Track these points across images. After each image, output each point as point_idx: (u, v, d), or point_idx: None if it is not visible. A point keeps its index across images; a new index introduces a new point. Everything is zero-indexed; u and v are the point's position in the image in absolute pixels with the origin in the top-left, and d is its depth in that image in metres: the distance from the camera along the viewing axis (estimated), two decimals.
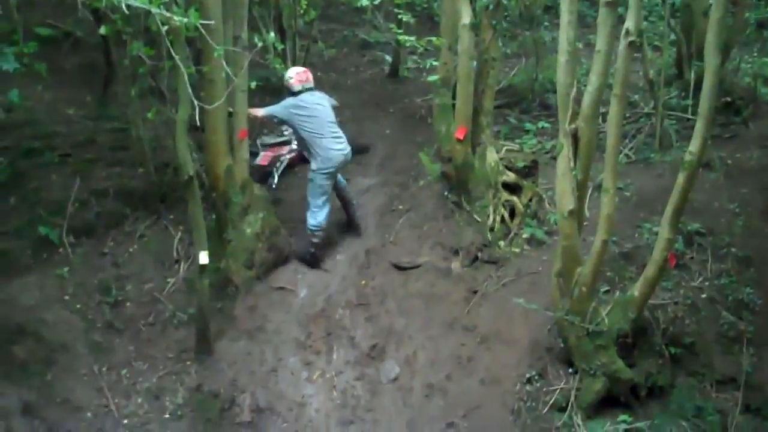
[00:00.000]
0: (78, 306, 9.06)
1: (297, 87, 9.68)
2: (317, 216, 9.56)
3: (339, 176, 9.91)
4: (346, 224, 10.27)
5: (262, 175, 10.69)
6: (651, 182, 10.42)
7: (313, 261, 9.69)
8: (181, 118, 8.36)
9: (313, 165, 9.55)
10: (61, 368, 8.46)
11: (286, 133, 11.38)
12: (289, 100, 9.65)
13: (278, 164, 10.92)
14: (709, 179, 10.04)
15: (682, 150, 8.41)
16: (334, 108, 9.95)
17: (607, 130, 7.84)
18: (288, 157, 11.07)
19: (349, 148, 9.69)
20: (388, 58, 15.13)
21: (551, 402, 8.08)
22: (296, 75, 9.75)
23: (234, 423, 8.17)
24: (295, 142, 11.20)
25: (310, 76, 9.85)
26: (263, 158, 10.79)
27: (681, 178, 7.46)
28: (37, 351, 8.50)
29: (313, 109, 9.56)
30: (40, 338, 8.60)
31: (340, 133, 9.69)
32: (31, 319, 8.73)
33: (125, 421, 8.10)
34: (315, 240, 9.60)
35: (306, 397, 8.45)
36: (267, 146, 11.03)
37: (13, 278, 9.20)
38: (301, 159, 11.22)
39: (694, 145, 7.33)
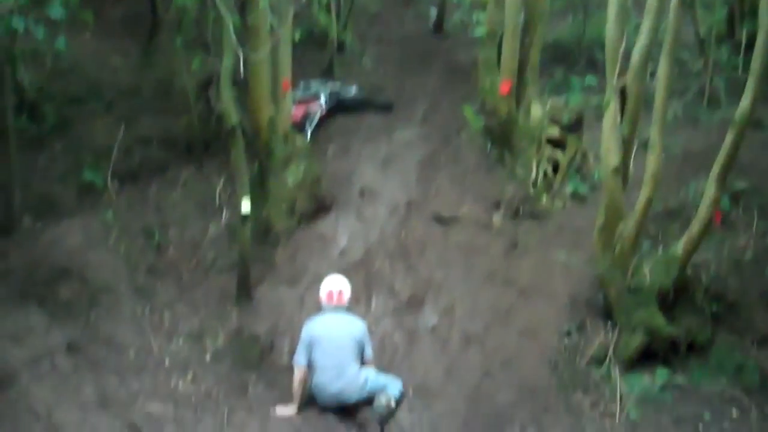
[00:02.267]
0: (122, 249, 9.18)
1: (322, 304, 7.82)
2: (392, 387, 7.53)
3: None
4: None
5: (295, 129, 10.69)
6: (698, 140, 10.28)
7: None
8: (225, 68, 8.39)
9: None
10: (104, 309, 8.59)
11: (314, 85, 11.42)
12: (303, 331, 7.74)
13: (310, 119, 10.92)
14: (758, 138, 9.86)
15: (731, 109, 8.26)
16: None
17: (656, 87, 7.75)
18: (319, 111, 11.07)
19: (347, 390, 7.54)
20: (433, 12, 14.99)
21: (589, 355, 8.08)
22: (324, 289, 7.81)
23: (273, 366, 8.26)
24: (324, 98, 11.22)
25: (345, 294, 7.78)
26: (295, 113, 10.75)
27: (729, 136, 7.38)
28: (82, 292, 8.64)
29: (315, 338, 7.60)
30: (85, 280, 8.74)
31: (346, 373, 7.55)
32: (75, 260, 8.87)
33: (167, 362, 8.20)
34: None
35: None
36: (297, 101, 10.96)
37: (59, 221, 9.35)
38: (331, 113, 11.25)
39: (744, 104, 7.25)
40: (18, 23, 7.17)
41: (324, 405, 7.66)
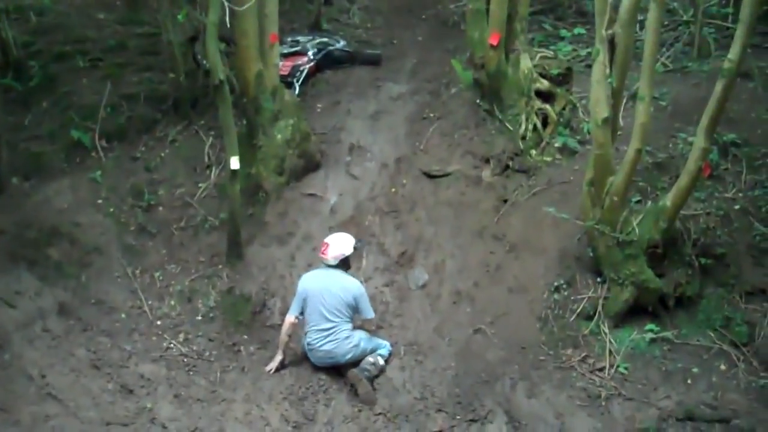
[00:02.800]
0: (111, 209, 9.17)
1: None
2: (381, 346, 7.91)
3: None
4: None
5: (283, 84, 10.59)
6: (687, 91, 10.22)
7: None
8: (211, 21, 8.27)
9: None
10: (95, 270, 8.62)
11: (301, 39, 11.31)
12: (298, 284, 7.98)
13: (298, 74, 10.80)
14: (746, 89, 9.85)
15: (721, 59, 8.22)
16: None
17: (645, 37, 7.69)
18: (307, 66, 10.95)
19: (337, 351, 7.71)
20: None
21: (578, 310, 8.14)
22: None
23: (265, 326, 8.31)
24: (311, 52, 11.10)
25: (331, 249, 7.90)
26: (282, 68, 10.58)
27: (718, 87, 7.32)
28: (72, 253, 8.66)
29: (307, 292, 7.78)
30: (75, 240, 8.75)
31: (336, 333, 7.71)
32: (65, 221, 8.87)
33: (158, 322, 8.26)
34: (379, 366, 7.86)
35: None
36: (284, 56, 10.82)
37: (48, 181, 9.33)
38: (319, 68, 11.14)
39: (733, 53, 7.17)
40: None
41: (316, 364, 7.81)
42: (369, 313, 7.85)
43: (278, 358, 7.84)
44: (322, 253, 7.88)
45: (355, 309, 7.79)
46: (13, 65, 10.49)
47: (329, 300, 7.70)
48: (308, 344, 7.78)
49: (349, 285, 7.80)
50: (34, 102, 10.32)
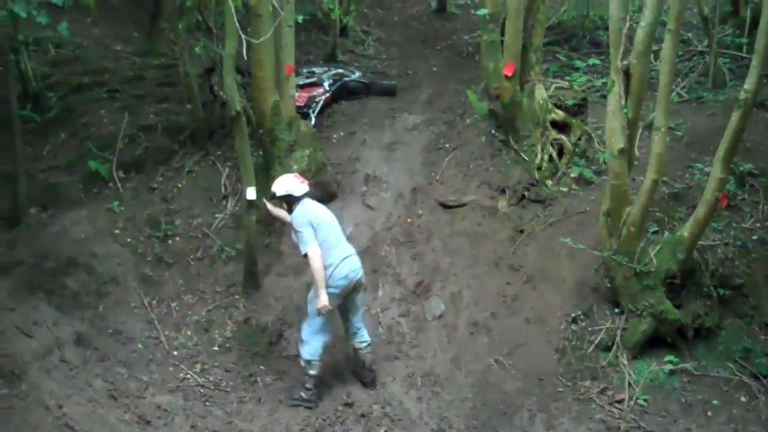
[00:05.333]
0: (128, 240, 9.21)
1: (299, 194, 7.82)
2: (311, 344, 7.74)
3: (357, 299, 8.02)
4: (355, 366, 8.16)
5: (299, 115, 10.65)
6: (703, 121, 10.24)
7: (308, 400, 7.79)
8: (228, 53, 8.35)
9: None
10: (112, 300, 8.64)
11: (316, 71, 11.39)
12: (300, 214, 7.75)
13: (314, 104, 10.86)
14: (763, 119, 9.85)
15: (736, 89, 8.25)
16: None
17: (660, 68, 7.71)
18: (323, 97, 11.01)
19: (359, 264, 7.90)
20: None
21: (596, 341, 8.10)
22: (290, 182, 7.86)
23: (281, 356, 8.29)
24: (327, 83, 11.18)
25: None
26: (298, 99, 10.63)
27: (735, 117, 7.32)
28: (89, 283, 8.69)
29: (320, 223, 7.73)
30: (92, 271, 8.78)
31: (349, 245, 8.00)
32: (82, 251, 8.90)
33: (175, 353, 8.26)
34: (311, 372, 7.77)
35: None
36: (300, 87, 10.88)
37: (65, 212, 9.40)
38: (335, 99, 11.21)
39: (749, 83, 7.18)
40: (21, 9, 7.12)
41: (345, 288, 7.67)
42: None
43: (325, 294, 7.51)
44: (304, 181, 7.89)
45: None
46: (32, 97, 10.62)
47: (335, 220, 7.93)
48: (344, 264, 7.64)
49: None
50: (53, 133, 10.44)
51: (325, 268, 7.55)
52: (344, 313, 7.90)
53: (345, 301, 7.79)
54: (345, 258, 7.71)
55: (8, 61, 9.25)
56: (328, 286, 7.53)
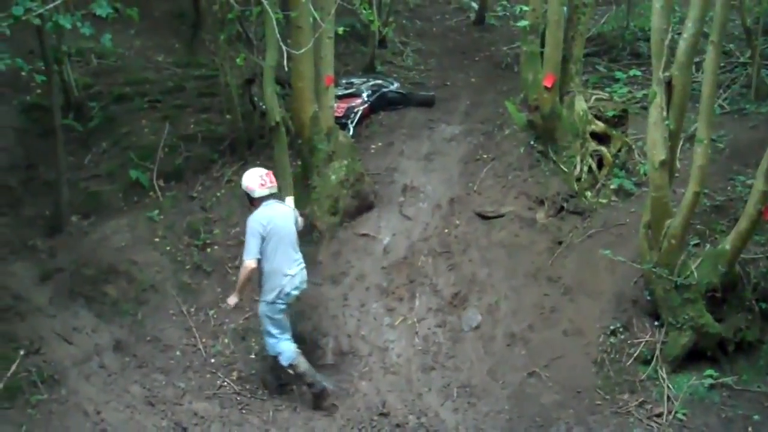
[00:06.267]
0: (168, 248, 9.31)
1: (256, 194, 7.88)
2: (281, 350, 7.85)
3: None
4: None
5: (338, 125, 10.68)
6: (745, 133, 10.11)
7: (321, 393, 7.87)
8: (269, 64, 8.41)
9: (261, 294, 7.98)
10: (151, 307, 8.73)
11: (355, 81, 11.42)
12: (254, 219, 7.81)
13: (352, 115, 10.90)
14: None
15: None
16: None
17: (703, 79, 7.61)
18: (361, 108, 11.05)
19: (304, 278, 8.00)
20: (474, 5, 14.91)
21: (635, 354, 7.99)
22: (252, 180, 7.90)
23: (317, 365, 8.27)
24: (366, 93, 11.21)
25: (272, 176, 8.02)
26: (337, 109, 10.66)
27: None
28: (129, 290, 8.79)
29: (271, 229, 7.78)
30: (132, 278, 8.88)
31: (299, 257, 8.01)
32: (122, 259, 9.01)
33: (212, 360, 8.31)
34: (301, 370, 7.88)
35: (388, 342, 8.52)
36: (339, 98, 10.91)
37: (106, 220, 9.52)
38: (373, 109, 11.24)
39: None
40: (66, 21, 7.22)
41: (288, 301, 7.88)
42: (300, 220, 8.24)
43: (236, 300, 7.96)
44: (271, 182, 7.90)
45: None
46: (74, 106, 10.77)
47: (292, 230, 7.92)
48: (288, 284, 7.77)
49: (288, 208, 8.16)
50: (94, 142, 10.58)
51: (268, 281, 7.77)
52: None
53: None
54: (290, 276, 7.82)
55: (52, 71, 9.39)
56: (272, 301, 7.76)
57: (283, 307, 7.82)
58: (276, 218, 7.81)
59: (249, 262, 7.66)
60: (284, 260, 7.78)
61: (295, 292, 7.90)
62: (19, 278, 8.67)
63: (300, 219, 8.26)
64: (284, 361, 7.85)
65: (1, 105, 10.20)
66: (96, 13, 7.32)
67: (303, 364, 7.88)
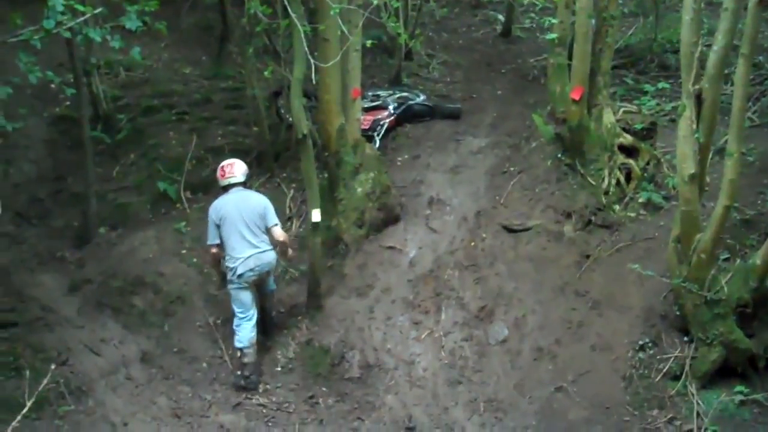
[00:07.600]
0: (194, 260, 9.33)
1: (221, 184, 8.41)
2: (240, 332, 8.17)
3: (270, 281, 8.65)
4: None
5: (364, 138, 10.66)
6: None
7: (246, 387, 8.17)
8: (296, 77, 8.42)
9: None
10: (178, 319, 8.76)
11: (381, 94, 11.43)
12: (212, 206, 8.40)
13: (379, 127, 10.89)
14: None
15: None
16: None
17: (734, 92, 7.53)
18: (387, 120, 11.05)
19: (263, 261, 8.24)
20: (501, 17, 14.88)
21: (665, 370, 7.91)
22: (218, 172, 8.46)
23: (343, 378, 8.27)
24: (392, 106, 11.21)
25: (236, 167, 8.38)
26: (364, 122, 10.60)
27: None
28: (156, 302, 8.83)
29: (224, 216, 8.18)
30: (159, 290, 8.92)
31: (256, 241, 8.21)
32: (150, 271, 9.06)
33: (238, 372, 8.31)
34: (245, 360, 8.17)
35: (414, 355, 8.47)
36: (365, 110, 10.86)
37: (134, 231, 9.58)
38: (400, 122, 11.23)
39: None
40: (96, 34, 7.29)
41: (244, 283, 8.18)
42: (274, 219, 8.32)
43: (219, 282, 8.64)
44: (229, 173, 8.31)
45: (263, 218, 8.25)
46: (103, 118, 10.86)
47: (245, 216, 8.16)
48: (237, 259, 8.09)
49: (258, 198, 8.45)
50: (122, 154, 10.66)
51: (226, 264, 8.19)
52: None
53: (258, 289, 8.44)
54: (243, 259, 8.10)
55: (81, 83, 9.48)
56: (230, 281, 8.17)
57: (238, 287, 8.17)
58: (228, 205, 8.22)
59: (209, 245, 8.33)
60: (236, 244, 8.12)
61: (250, 274, 8.16)
62: (47, 289, 8.76)
63: (274, 219, 8.37)
64: (237, 343, 8.20)
65: (31, 117, 10.27)
66: (125, 26, 7.36)
67: (251, 356, 8.19)
